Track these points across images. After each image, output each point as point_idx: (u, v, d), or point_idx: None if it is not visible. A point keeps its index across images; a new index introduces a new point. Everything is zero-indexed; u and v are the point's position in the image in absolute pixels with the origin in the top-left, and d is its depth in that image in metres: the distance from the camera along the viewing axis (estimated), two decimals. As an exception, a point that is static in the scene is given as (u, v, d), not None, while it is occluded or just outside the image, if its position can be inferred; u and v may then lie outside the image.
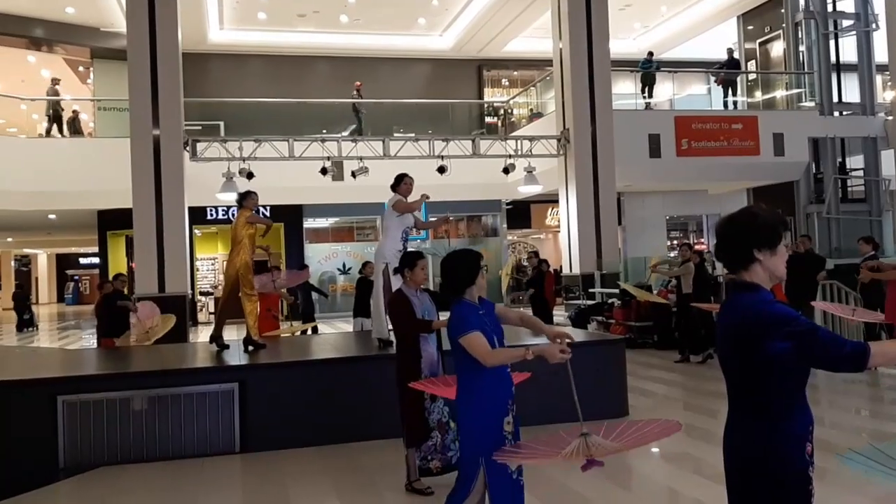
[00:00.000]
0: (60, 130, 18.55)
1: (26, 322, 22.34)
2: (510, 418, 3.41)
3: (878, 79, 19.25)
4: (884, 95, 19.52)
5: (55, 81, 19.01)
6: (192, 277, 20.51)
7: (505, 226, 23.25)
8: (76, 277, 40.75)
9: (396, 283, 5.73)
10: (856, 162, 18.88)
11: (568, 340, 3.17)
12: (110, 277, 11.60)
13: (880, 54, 18.11)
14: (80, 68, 22.30)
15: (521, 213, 23.61)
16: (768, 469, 2.22)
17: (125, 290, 10.96)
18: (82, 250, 37.49)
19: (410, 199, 7.01)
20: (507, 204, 22.57)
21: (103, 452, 6.17)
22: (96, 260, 23.71)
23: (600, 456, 2.53)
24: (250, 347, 7.64)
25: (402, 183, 6.90)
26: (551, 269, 13.87)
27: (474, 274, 3.53)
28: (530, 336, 6.62)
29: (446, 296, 3.58)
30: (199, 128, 17.93)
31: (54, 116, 18.46)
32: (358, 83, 20.04)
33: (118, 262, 20.21)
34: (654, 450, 6.14)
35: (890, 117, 17.98)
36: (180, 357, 8.12)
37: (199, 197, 16.17)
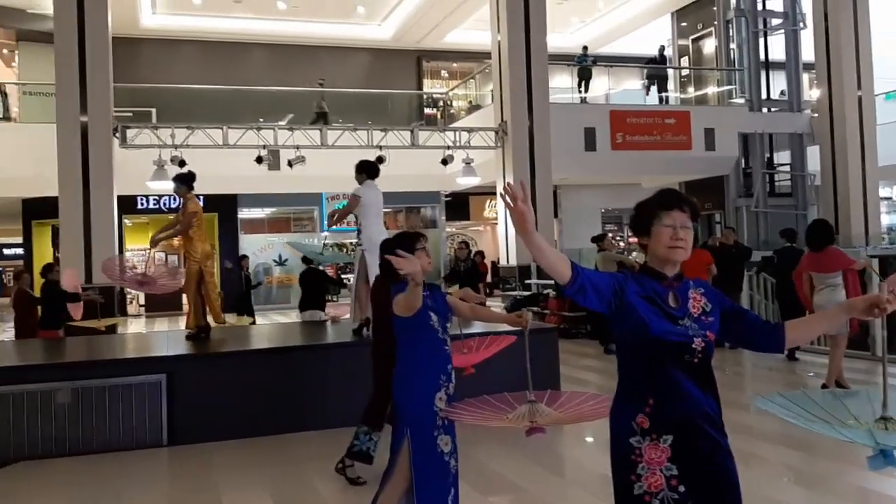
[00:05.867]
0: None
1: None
2: (443, 394, 3.35)
3: (805, 77, 19.94)
4: (810, 93, 20.23)
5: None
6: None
7: (444, 217, 23.27)
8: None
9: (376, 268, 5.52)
10: (783, 157, 19.54)
11: (526, 316, 3.36)
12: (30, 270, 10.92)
13: (807, 53, 18.77)
14: (5, 51, 21.39)
15: (459, 205, 23.65)
16: None
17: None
18: (6, 241, 35.97)
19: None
20: (446, 196, 22.60)
21: (23, 446, 5.94)
22: (20, 251, 22.83)
23: (544, 424, 2.57)
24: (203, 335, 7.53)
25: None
26: (484, 261, 13.98)
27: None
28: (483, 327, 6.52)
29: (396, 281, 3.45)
30: (130, 114, 17.37)
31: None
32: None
33: (43, 253, 19.47)
34: (588, 439, 6.25)
35: (815, 114, 18.66)
36: (107, 348, 7.88)
37: (129, 185, 15.69)
